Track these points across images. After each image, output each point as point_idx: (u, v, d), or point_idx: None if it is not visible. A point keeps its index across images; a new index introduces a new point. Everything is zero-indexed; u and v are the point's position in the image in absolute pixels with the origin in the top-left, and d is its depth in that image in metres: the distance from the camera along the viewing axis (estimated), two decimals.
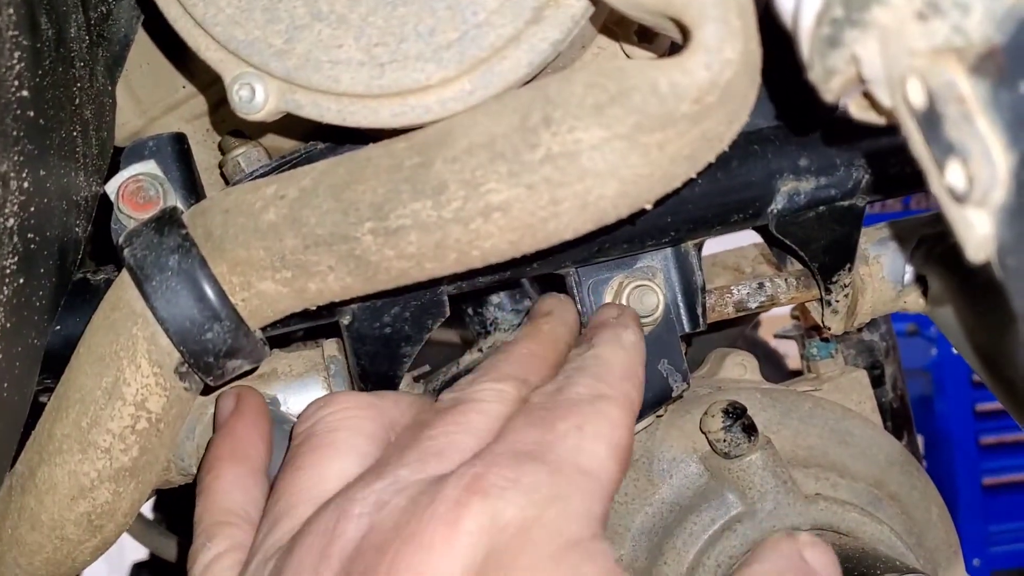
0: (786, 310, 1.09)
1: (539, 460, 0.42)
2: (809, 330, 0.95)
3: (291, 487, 0.49)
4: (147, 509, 1.13)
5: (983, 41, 0.30)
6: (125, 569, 1.62)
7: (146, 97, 0.72)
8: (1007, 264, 0.32)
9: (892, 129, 0.64)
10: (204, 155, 0.72)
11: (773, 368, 1.22)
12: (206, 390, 0.55)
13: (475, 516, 0.40)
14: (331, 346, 0.67)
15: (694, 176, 0.45)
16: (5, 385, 0.48)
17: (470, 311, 0.81)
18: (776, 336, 1.08)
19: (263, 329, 0.54)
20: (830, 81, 0.36)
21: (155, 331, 0.50)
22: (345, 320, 0.61)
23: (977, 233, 0.32)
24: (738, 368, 0.85)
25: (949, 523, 0.82)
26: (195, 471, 0.62)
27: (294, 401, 0.65)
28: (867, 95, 0.36)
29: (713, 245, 0.71)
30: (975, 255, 0.33)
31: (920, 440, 2.92)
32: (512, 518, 0.40)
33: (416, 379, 0.74)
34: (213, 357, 0.51)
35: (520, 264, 0.56)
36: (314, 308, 0.53)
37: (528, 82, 0.48)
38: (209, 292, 0.50)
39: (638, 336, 0.55)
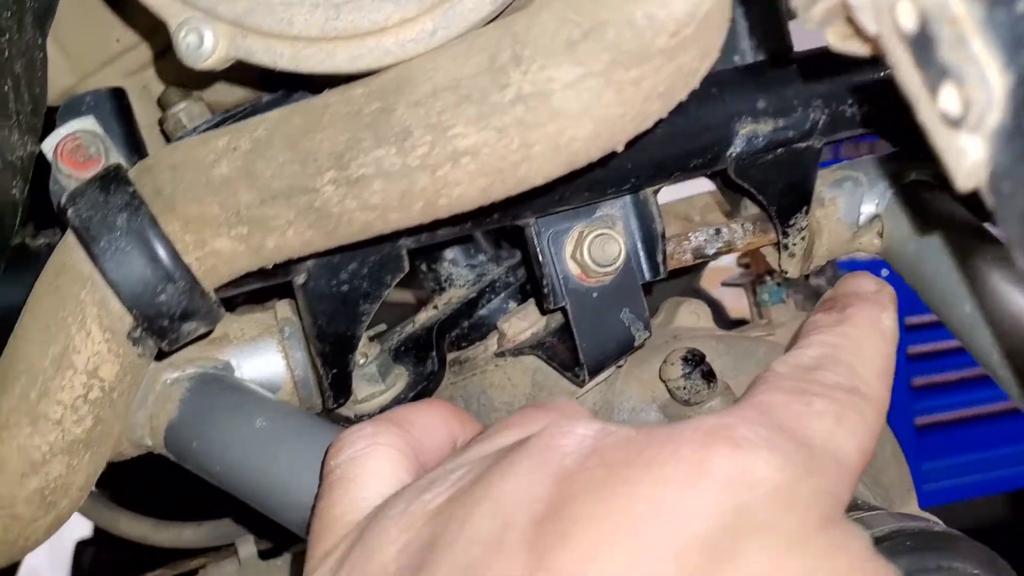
0: (729, 261, 1.09)
1: (791, 430, 0.37)
2: (760, 276, 0.95)
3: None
4: None
5: None
6: (67, 549, 1.58)
7: (78, 52, 0.69)
8: (1001, 190, 0.31)
9: (849, 68, 0.64)
10: (141, 113, 0.69)
11: (716, 317, 1.23)
12: (159, 355, 0.53)
13: (723, 463, 0.34)
14: (284, 308, 0.65)
15: (665, 116, 0.44)
16: None
17: (424, 268, 0.79)
18: (724, 284, 1.09)
19: (216, 291, 0.52)
20: (812, 8, 0.35)
21: (105, 295, 0.48)
22: (300, 280, 0.59)
23: (969, 160, 0.31)
24: (691, 317, 0.85)
25: (903, 461, 0.83)
26: (148, 443, 0.60)
27: (248, 366, 0.63)
28: (851, 21, 0.35)
29: (664, 194, 0.71)
30: (965, 183, 0.32)
31: None
32: (765, 477, 0.34)
33: (372, 339, 0.72)
34: (168, 320, 0.49)
35: (482, 215, 0.54)
36: (270, 267, 0.51)
37: (492, 21, 0.46)
38: (161, 252, 0.48)
39: (896, 323, 0.46)
